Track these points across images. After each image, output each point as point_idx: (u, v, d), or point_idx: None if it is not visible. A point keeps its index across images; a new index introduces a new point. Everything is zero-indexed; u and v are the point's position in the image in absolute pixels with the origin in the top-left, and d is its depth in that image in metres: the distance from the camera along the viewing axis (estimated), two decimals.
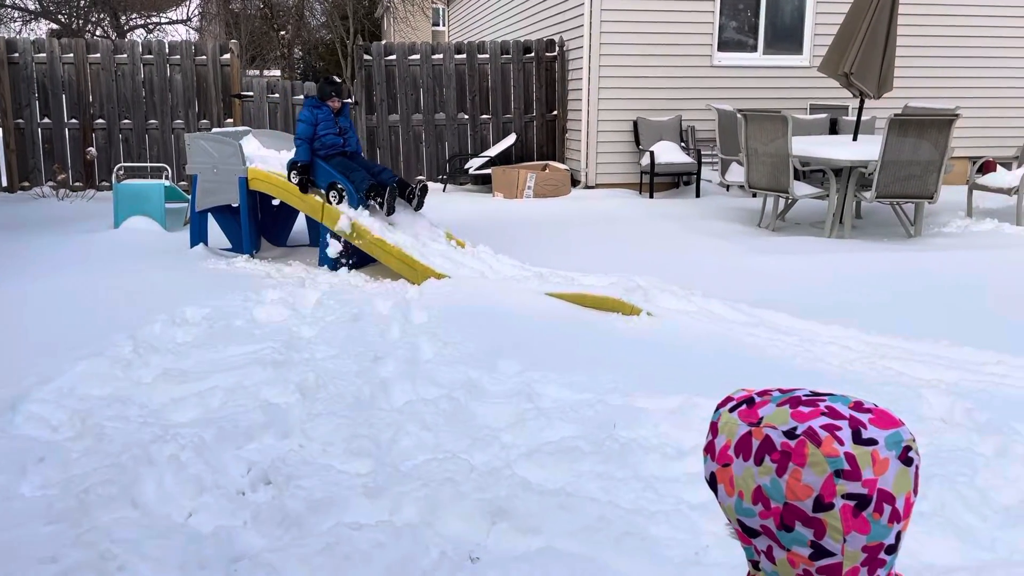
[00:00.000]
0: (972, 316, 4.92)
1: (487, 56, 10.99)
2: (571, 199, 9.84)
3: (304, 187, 6.30)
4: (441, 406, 3.48)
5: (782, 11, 10.44)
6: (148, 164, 10.22)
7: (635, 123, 10.10)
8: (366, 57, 10.82)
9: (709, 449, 0.93)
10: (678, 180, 10.39)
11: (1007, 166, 8.49)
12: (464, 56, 10.95)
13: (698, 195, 9.92)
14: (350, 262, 6.27)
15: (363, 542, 2.42)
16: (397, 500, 2.69)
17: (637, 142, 10.10)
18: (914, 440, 0.87)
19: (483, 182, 10.80)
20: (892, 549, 0.86)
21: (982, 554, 2.43)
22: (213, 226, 6.97)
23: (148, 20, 24.16)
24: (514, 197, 9.95)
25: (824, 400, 0.88)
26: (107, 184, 10.13)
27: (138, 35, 23.14)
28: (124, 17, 22.48)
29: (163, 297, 5.17)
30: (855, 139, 7.81)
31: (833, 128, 9.40)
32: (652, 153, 9.67)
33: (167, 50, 10.70)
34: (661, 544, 2.45)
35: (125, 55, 10.53)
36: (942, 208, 8.25)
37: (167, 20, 24.74)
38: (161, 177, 9.37)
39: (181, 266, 6.19)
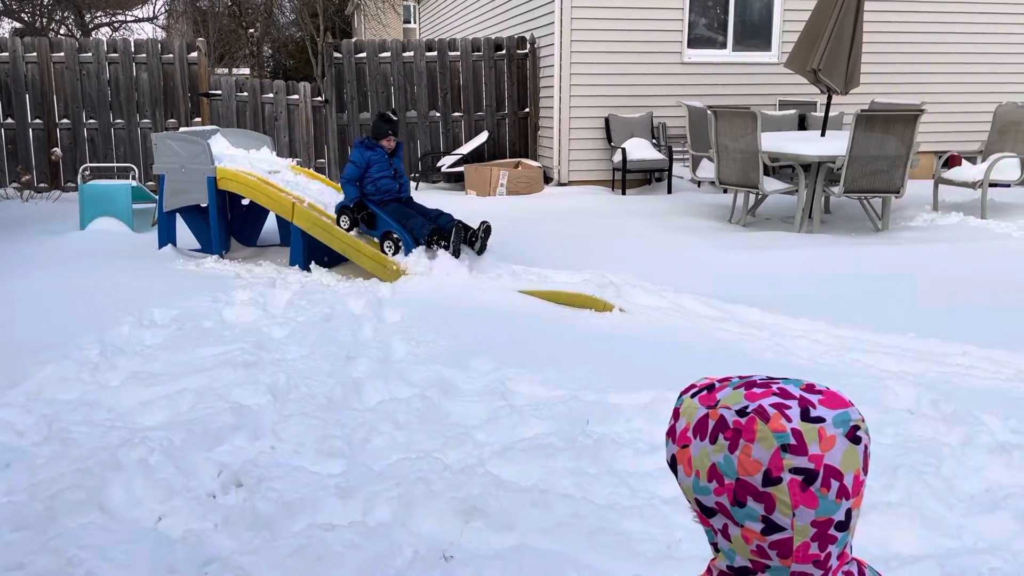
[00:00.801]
0: (938, 308, 4.99)
1: (458, 53, 10.96)
2: (544, 196, 9.85)
3: (369, 223, 5.90)
4: (414, 405, 3.48)
5: (751, 8, 10.52)
6: (115, 164, 10.07)
7: (607, 120, 10.13)
8: (336, 55, 10.75)
9: (671, 433, 0.97)
10: (650, 177, 10.44)
11: (972, 160, 8.62)
12: (435, 54, 10.92)
13: (670, 191, 9.97)
14: (324, 260, 6.23)
15: (336, 543, 2.41)
16: (370, 500, 2.68)
17: (609, 139, 10.14)
18: (863, 421, 0.90)
19: (455, 180, 10.78)
20: (843, 526, 0.89)
21: (948, 542, 2.47)
22: (182, 227, 6.89)
23: (113, 18, 23.83)
24: (487, 195, 9.94)
25: (777, 383, 0.92)
26: (73, 185, 9.97)
27: (103, 34, 22.79)
28: (89, 15, 22.14)
29: (131, 299, 5.10)
30: (823, 135, 7.89)
31: (802, 124, 9.48)
32: (624, 150, 9.71)
33: (133, 49, 10.54)
34: (634, 539, 2.46)
35: (90, 54, 10.37)
36: (909, 202, 8.37)
37: (133, 18, 24.41)
38: (128, 177, 9.24)
39: (149, 267, 6.12)
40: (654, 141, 10.10)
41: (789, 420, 0.86)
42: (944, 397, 3.48)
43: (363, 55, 10.79)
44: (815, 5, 7.78)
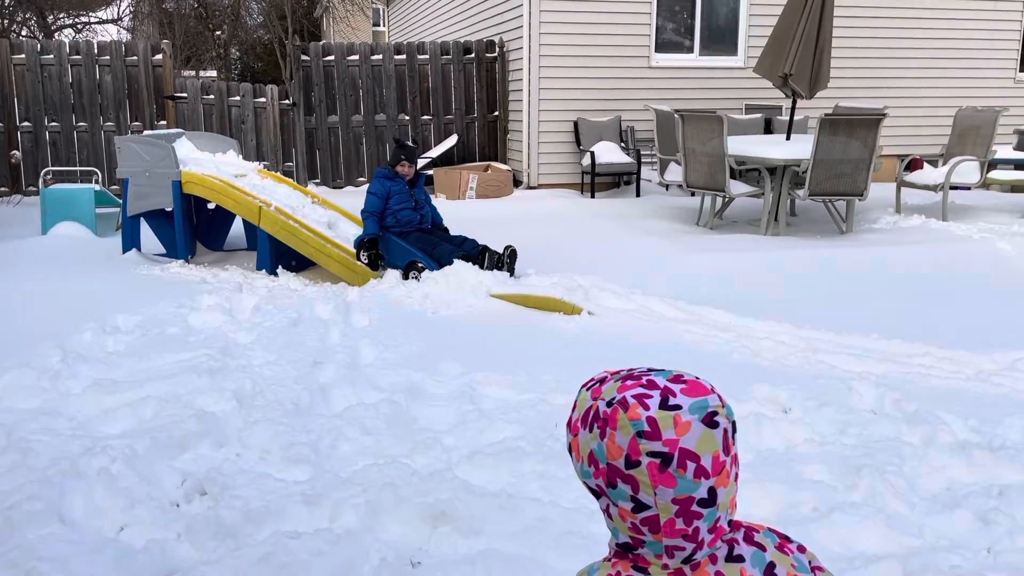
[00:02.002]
0: (901, 309, 5.07)
1: (427, 57, 10.94)
2: (513, 199, 9.86)
3: (375, 265, 5.80)
4: (382, 410, 3.46)
5: (717, 13, 10.63)
6: (77, 168, 9.92)
7: (575, 124, 10.17)
8: (304, 57, 10.68)
9: (568, 423, 1.05)
10: (618, 180, 10.50)
11: (933, 163, 8.77)
12: (404, 57, 10.89)
13: (638, 194, 10.03)
14: (291, 264, 6.18)
15: (301, 551, 2.38)
16: (337, 507, 2.66)
17: (578, 142, 10.18)
18: (723, 406, 0.99)
19: (425, 183, 10.74)
20: (707, 503, 0.97)
21: (910, 540, 2.51)
22: (146, 231, 6.80)
23: (77, 20, 23.45)
24: (456, 198, 9.93)
25: (649, 375, 1.01)
26: (34, 189, 9.81)
27: (66, 35, 22.44)
28: (51, 17, 21.78)
29: (93, 305, 5.02)
30: (788, 138, 7.99)
31: (767, 128, 9.60)
32: (593, 153, 9.75)
33: (96, 51, 10.39)
34: (601, 542, 2.44)
35: (52, 56, 10.20)
36: (872, 205, 8.50)
37: (97, 20, 24.05)
38: (91, 181, 9.10)
39: (112, 273, 6.02)
40: (622, 145, 10.16)
41: (647, 408, 0.96)
42: (906, 397, 3.53)
43: (331, 58, 10.73)
44: (782, 11, 7.88)
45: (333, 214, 6.74)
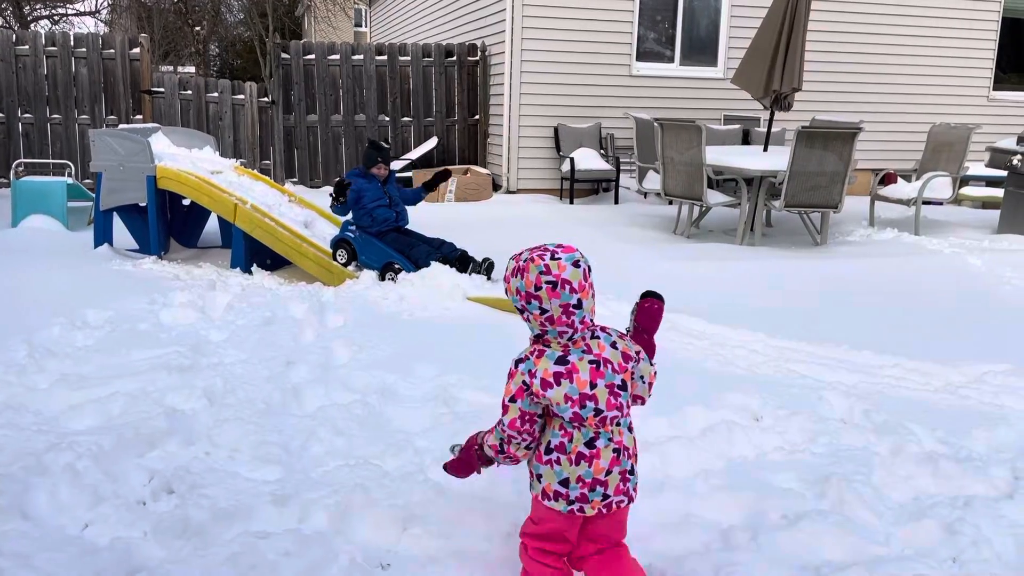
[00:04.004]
0: (872, 321, 5.13)
1: (408, 58, 10.92)
2: (492, 203, 9.86)
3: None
4: (355, 411, 3.43)
5: (698, 24, 10.72)
6: (50, 160, 9.79)
7: (556, 129, 10.20)
8: (284, 56, 10.62)
9: (505, 279, 2.04)
10: (597, 187, 10.54)
11: (907, 178, 8.90)
12: (385, 58, 10.86)
13: (616, 201, 10.07)
14: (266, 263, 6.13)
15: (269, 551, 2.36)
16: (306, 508, 2.63)
17: (558, 148, 10.20)
18: (583, 256, 1.97)
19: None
20: (577, 307, 1.96)
21: (877, 549, 2.53)
22: (119, 226, 6.71)
23: (53, 11, 23.16)
24: (435, 201, 9.90)
25: (545, 246, 1.99)
26: (5, 181, 9.66)
27: (43, 26, 22.15)
28: (28, 7, 21.49)
29: (63, 299, 4.94)
30: (765, 150, 8.06)
31: (745, 139, 9.67)
32: (572, 159, 9.78)
33: (72, 42, 10.26)
34: None
35: (27, 46, 10.06)
36: (846, 217, 8.60)
37: (74, 11, 23.77)
38: (64, 174, 8.98)
39: (83, 267, 5.94)
40: (602, 152, 10.20)
41: (543, 259, 1.94)
42: (876, 407, 3.57)
43: (311, 57, 10.68)
44: (760, 24, 7.96)
45: (310, 213, 6.70)
